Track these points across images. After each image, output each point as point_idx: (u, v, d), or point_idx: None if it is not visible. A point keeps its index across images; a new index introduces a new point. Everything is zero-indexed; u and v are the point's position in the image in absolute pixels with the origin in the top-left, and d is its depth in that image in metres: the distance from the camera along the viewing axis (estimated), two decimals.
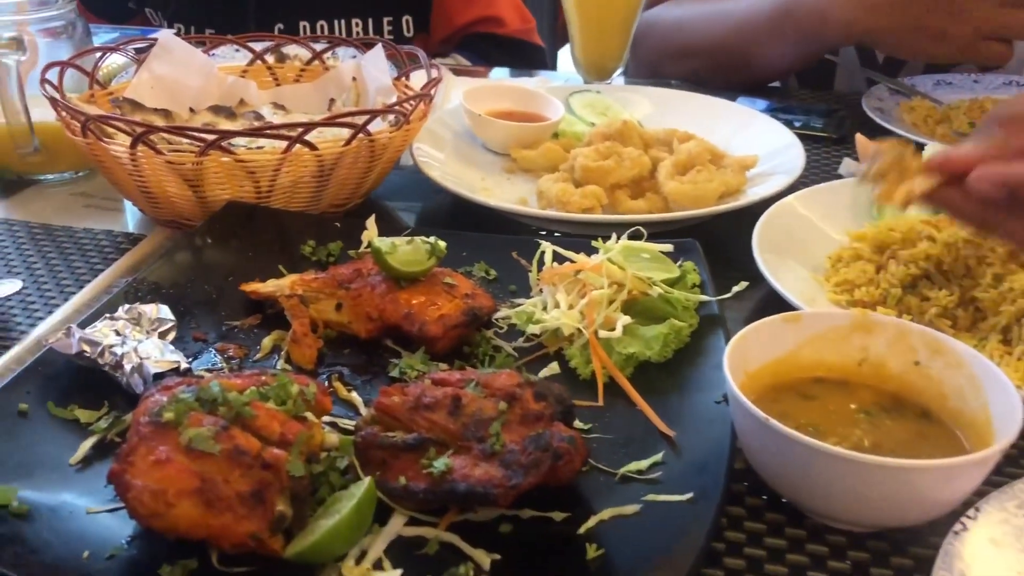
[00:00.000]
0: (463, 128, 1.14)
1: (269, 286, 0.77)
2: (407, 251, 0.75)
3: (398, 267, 0.74)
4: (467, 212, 0.97)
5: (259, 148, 0.89)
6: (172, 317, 0.71)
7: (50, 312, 0.80)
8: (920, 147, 0.97)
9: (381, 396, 0.59)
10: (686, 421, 0.64)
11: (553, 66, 1.76)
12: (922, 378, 0.63)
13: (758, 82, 1.40)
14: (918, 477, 0.53)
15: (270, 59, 1.16)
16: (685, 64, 1.43)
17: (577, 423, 0.62)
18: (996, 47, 1.13)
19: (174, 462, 0.52)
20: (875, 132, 1.18)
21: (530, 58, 1.65)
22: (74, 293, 0.83)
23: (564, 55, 1.85)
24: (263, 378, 0.58)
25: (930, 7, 1.13)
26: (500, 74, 1.48)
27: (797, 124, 1.21)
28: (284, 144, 0.85)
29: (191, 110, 1.05)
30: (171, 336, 0.70)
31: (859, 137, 1.03)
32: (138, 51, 1.09)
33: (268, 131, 0.85)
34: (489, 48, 1.62)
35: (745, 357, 0.62)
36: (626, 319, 0.70)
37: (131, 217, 1.00)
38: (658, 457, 0.60)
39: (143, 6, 1.66)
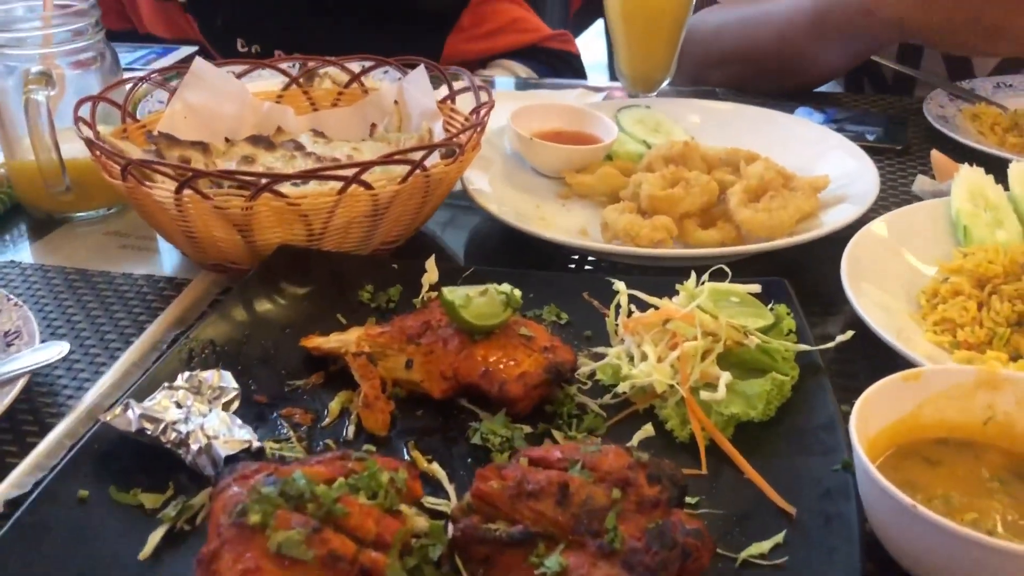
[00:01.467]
0: (511, 150, 1.09)
1: (333, 342, 0.72)
2: (481, 303, 0.70)
3: (473, 321, 0.69)
4: (523, 243, 0.92)
5: (307, 186, 0.84)
6: (236, 385, 0.66)
7: (97, 373, 0.75)
8: (1004, 164, 0.92)
9: (478, 481, 0.54)
10: (803, 493, 0.58)
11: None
12: None
13: (804, 87, 1.34)
14: None
15: (304, 81, 1.10)
16: (727, 71, 1.37)
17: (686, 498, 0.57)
18: None
19: (264, 571, 0.47)
20: (941, 142, 1.13)
21: (571, 68, 1.60)
22: (121, 350, 0.78)
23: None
24: (349, 465, 0.53)
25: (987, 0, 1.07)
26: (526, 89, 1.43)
27: (857, 135, 1.16)
28: (337, 184, 0.80)
29: (227, 140, 1.00)
30: (235, 405, 0.66)
31: (935, 154, 0.98)
32: (166, 78, 1.04)
33: (323, 172, 0.79)
34: (525, 61, 1.58)
35: (867, 422, 0.57)
36: (728, 376, 0.65)
37: (168, 257, 0.95)
38: (779, 538, 0.55)
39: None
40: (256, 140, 0.99)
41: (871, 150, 1.13)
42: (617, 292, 0.74)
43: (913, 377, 0.60)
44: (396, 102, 1.05)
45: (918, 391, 0.60)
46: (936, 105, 1.20)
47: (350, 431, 0.66)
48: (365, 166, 0.79)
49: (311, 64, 1.10)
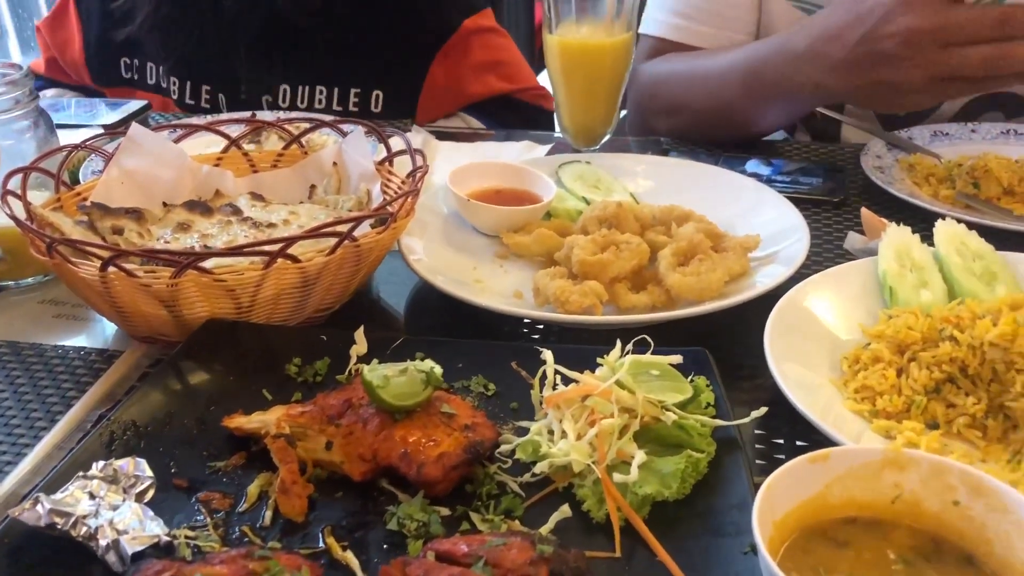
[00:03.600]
0: (451, 211, 1.10)
1: (254, 422, 0.72)
2: (401, 383, 0.70)
3: (392, 401, 0.69)
4: (459, 306, 0.92)
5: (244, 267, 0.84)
6: (151, 474, 0.66)
7: (19, 455, 0.75)
8: (932, 221, 0.94)
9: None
10: (713, 574, 0.59)
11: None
12: (963, 520, 0.59)
13: (743, 140, 1.35)
14: None
15: (245, 144, 1.11)
16: (670, 121, 1.39)
17: None
18: (959, 85, 1.09)
19: None
20: (875, 194, 1.14)
21: (537, 123, 1.60)
22: (46, 430, 0.78)
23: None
24: (251, 565, 0.53)
25: (876, 62, 1.09)
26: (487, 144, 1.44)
27: (795, 188, 1.17)
28: (264, 259, 0.80)
29: (164, 205, 1.00)
30: (150, 495, 0.65)
31: (864, 212, 0.99)
32: (104, 143, 1.04)
33: (247, 249, 0.79)
34: (498, 109, 1.57)
35: (772, 506, 0.57)
36: (642, 456, 0.65)
37: (102, 327, 0.95)
38: None
39: (143, 60, 1.62)
40: (193, 205, 0.99)
41: (810, 202, 1.15)
42: (544, 365, 0.75)
43: (820, 458, 0.60)
44: (335, 164, 1.06)
45: (825, 471, 0.60)
46: (873, 155, 1.22)
47: (267, 516, 0.66)
48: (289, 242, 0.79)
49: (252, 127, 1.11)
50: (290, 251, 0.80)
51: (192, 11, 1.56)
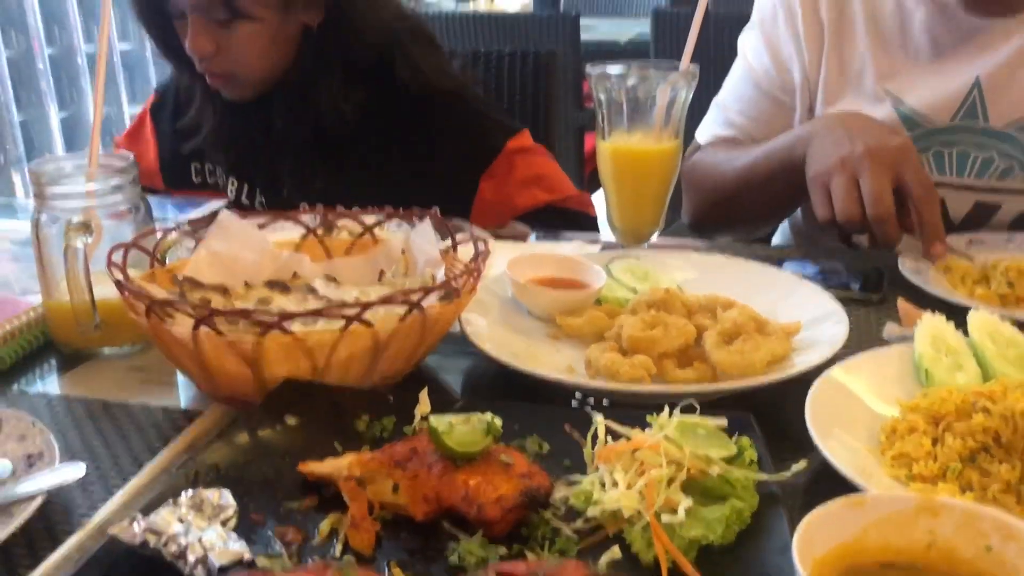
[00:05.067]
0: (508, 295, 1.17)
1: (326, 466, 0.78)
2: (464, 431, 0.76)
3: (455, 447, 0.75)
4: (515, 379, 0.99)
5: (315, 324, 0.91)
6: (233, 502, 0.72)
7: (109, 494, 0.81)
8: (963, 312, 0.99)
9: None
10: None
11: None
12: (996, 565, 0.62)
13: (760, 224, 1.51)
14: None
15: (321, 232, 1.20)
16: (698, 198, 1.54)
17: None
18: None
19: None
20: (914, 293, 1.20)
21: (584, 227, 1.69)
22: (133, 474, 0.84)
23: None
24: (330, 572, 0.58)
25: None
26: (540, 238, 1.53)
27: (837, 287, 1.23)
28: (341, 322, 0.87)
29: (246, 284, 1.09)
30: (233, 522, 0.71)
31: (901, 303, 1.05)
32: (194, 229, 1.14)
33: (327, 311, 0.87)
34: (545, 217, 1.67)
35: (812, 544, 0.61)
36: (688, 502, 0.69)
37: (185, 391, 1.02)
38: None
39: (210, 166, 1.76)
40: (273, 284, 1.09)
41: (851, 300, 1.21)
42: (595, 424, 0.80)
43: (857, 504, 0.64)
44: (403, 251, 1.15)
45: (862, 516, 0.64)
46: (911, 259, 1.28)
47: (337, 549, 0.71)
48: (366, 306, 0.87)
49: (329, 217, 1.21)
50: (364, 317, 0.88)
51: (248, 125, 1.68)
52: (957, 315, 1.00)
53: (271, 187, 1.72)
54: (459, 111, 1.67)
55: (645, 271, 1.23)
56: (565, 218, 1.69)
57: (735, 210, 1.52)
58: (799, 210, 1.78)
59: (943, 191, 1.47)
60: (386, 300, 0.89)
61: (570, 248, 1.42)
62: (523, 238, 1.52)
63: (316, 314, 0.87)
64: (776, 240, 1.86)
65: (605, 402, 0.94)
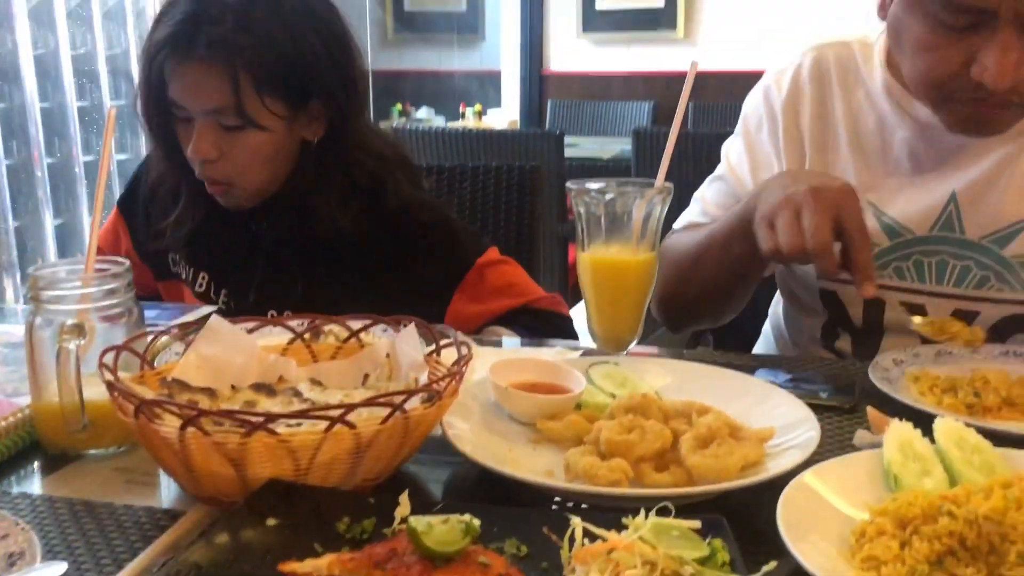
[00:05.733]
0: (490, 399, 1.20)
1: (306, 566, 0.79)
2: (442, 531, 0.78)
3: (433, 547, 0.76)
4: (495, 483, 1.00)
5: (299, 426, 0.94)
6: None
7: None
8: (931, 419, 1.02)
9: None
10: None
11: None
12: None
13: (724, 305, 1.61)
14: None
15: (308, 337, 1.24)
16: (663, 284, 1.58)
17: None
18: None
19: None
20: (884, 401, 1.23)
21: (560, 328, 1.74)
22: (114, 574, 0.85)
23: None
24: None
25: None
26: (516, 343, 1.57)
27: (809, 394, 1.26)
28: (324, 424, 0.90)
29: (233, 387, 1.11)
30: None
31: (870, 410, 1.08)
32: (185, 333, 1.17)
33: (311, 413, 0.90)
34: (519, 318, 1.72)
35: None
36: None
37: (169, 492, 1.03)
38: None
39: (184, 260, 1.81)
40: (259, 387, 1.11)
41: (822, 407, 1.24)
42: (571, 526, 0.82)
43: None
44: (388, 355, 1.18)
45: None
46: (882, 368, 1.32)
47: None
48: (350, 408, 0.90)
49: (316, 322, 1.24)
50: (347, 419, 0.91)
51: (232, 233, 1.74)
52: (925, 423, 1.03)
53: (241, 295, 1.76)
54: (435, 233, 1.76)
55: (624, 377, 1.26)
56: (538, 318, 1.75)
57: (696, 284, 1.57)
58: (780, 317, 1.83)
59: (924, 298, 1.53)
60: (369, 402, 0.92)
61: (551, 354, 1.45)
62: (500, 340, 1.56)
63: (300, 415, 0.90)
64: (758, 348, 1.90)
65: (584, 505, 0.96)
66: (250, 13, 1.55)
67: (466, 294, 1.76)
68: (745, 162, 1.66)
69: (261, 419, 0.88)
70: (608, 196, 1.32)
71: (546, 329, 1.74)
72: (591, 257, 1.35)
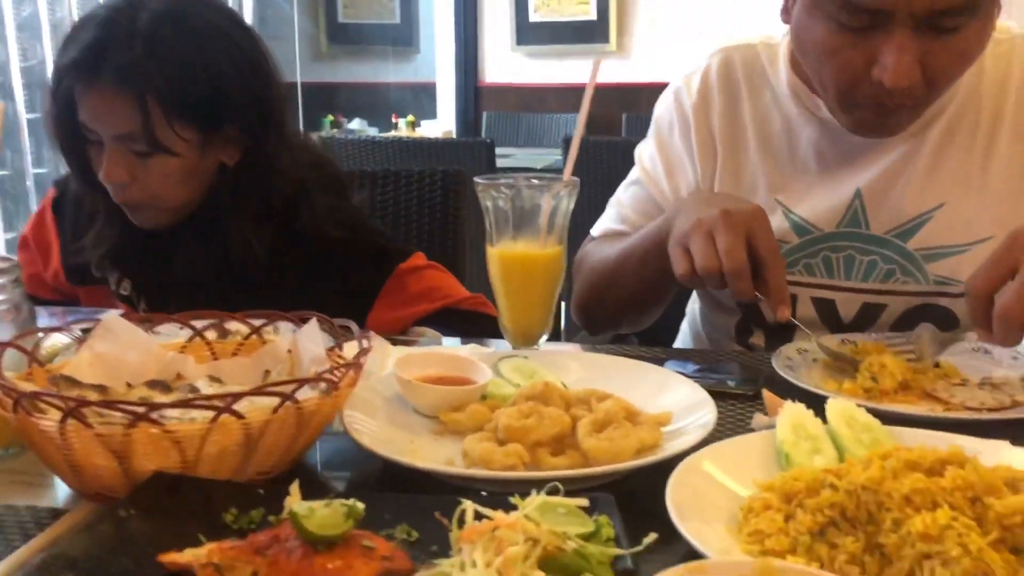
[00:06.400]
0: (395, 394, 1.19)
1: (186, 556, 0.77)
2: (324, 514, 0.76)
3: (315, 531, 0.75)
4: (397, 476, 0.99)
5: (191, 420, 0.92)
6: None
7: None
8: (823, 401, 1.04)
9: None
10: None
11: None
12: None
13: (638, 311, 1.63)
14: None
15: (211, 335, 1.21)
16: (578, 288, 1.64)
17: None
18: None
19: None
20: (786, 388, 1.25)
21: (485, 328, 1.73)
22: None
23: None
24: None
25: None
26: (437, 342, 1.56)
27: (717, 384, 1.28)
28: (211, 414, 0.88)
29: (128, 384, 1.09)
30: None
31: (766, 393, 1.10)
32: (83, 331, 1.14)
33: (196, 401, 0.88)
34: (442, 319, 1.71)
35: None
36: (540, 575, 0.71)
37: (54, 492, 1.00)
38: None
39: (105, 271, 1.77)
40: (154, 384, 1.08)
41: (728, 395, 1.26)
42: (460, 508, 0.81)
43: (697, 569, 0.66)
44: (289, 351, 1.16)
45: None
46: (784, 357, 1.34)
47: None
48: (236, 397, 0.88)
49: (217, 319, 1.22)
50: (235, 409, 0.89)
51: (149, 251, 1.71)
52: (822, 403, 1.04)
53: (163, 301, 1.73)
54: (352, 245, 1.74)
55: (533, 370, 1.26)
56: (462, 319, 1.74)
57: (613, 294, 1.60)
58: (697, 315, 1.86)
59: (833, 293, 1.56)
60: (257, 391, 0.90)
61: (464, 350, 1.45)
62: (416, 340, 1.55)
63: (185, 405, 0.88)
64: (677, 344, 1.92)
65: (484, 493, 0.95)
66: (159, 38, 1.51)
67: (386, 301, 1.76)
68: (659, 165, 1.68)
69: (144, 409, 0.86)
70: (515, 190, 1.32)
71: (471, 329, 1.74)
72: (499, 252, 1.35)
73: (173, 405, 0.88)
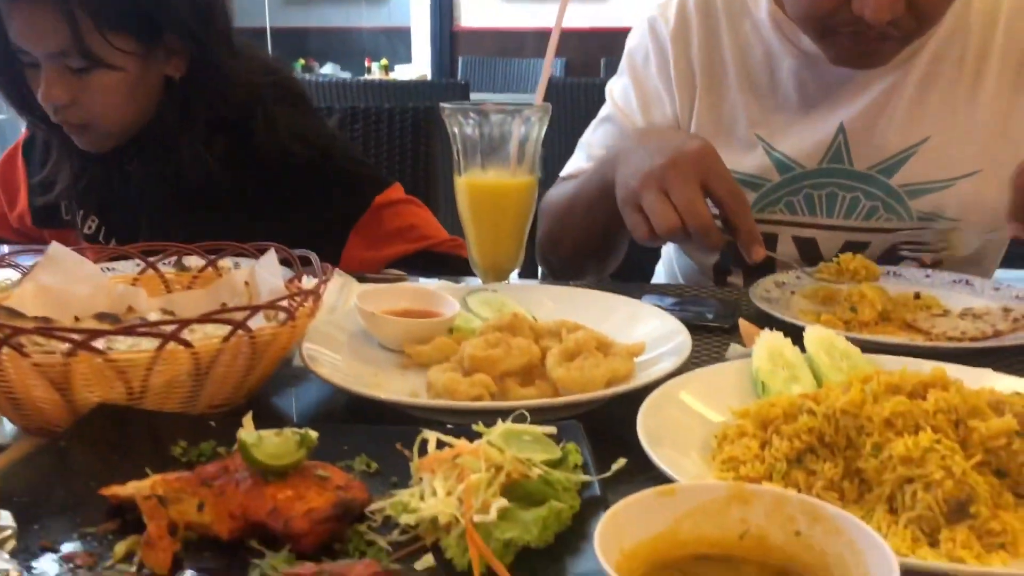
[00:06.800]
0: (360, 329, 1.14)
1: (129, 488, 0.73)
2: (275, 443, 0.72)
3: (264, 460, 0.71)
4: (359, 412, 0.95)
5: (139, 350, 0.87)
6: (12, 524, 0.66)
7: None
8: (800, 330, 1.00)
9: None
10: None
11: None
12: (805, 549, 0.61)
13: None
14: None
15: (164, 268, 1.16)
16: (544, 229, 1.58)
17: None
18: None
19: None
20: (764, 319, 1.21)
21: (460, 272, 1.69)
22: None
23: None
24: None
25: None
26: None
27: (694, 317, 1.24)
28: (157, 343, 0.83)
29: (76, 318, 1.03)
30: (10, 545, 0.65)
31: (742, 322, 1.06)
32: (21, 260, 1.08)
33: (140, 328, 0.83)
34: (418, 262, 1.66)
35: (620, 535, 0.59)
36: (502, 502, 0.67)
37: (5, 429, 0.95)
38: None
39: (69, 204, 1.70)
40: (103, 317, 1.03)
41: (704, 328, 1.22)
42: (420, 437, 0.77)
43: (668, 493, 0.63)
44: (247, 283, 1.11)
45: (674, 506, 0.62)
46: (762, 289, 1.31)
47: (132, 571, 0.66)
48: (183, 324, 0.83)
49: (171, 250, 1.16)
50: (183, 337, 0.84)
51: (107, 176, 1.64)
52: (800, 336, 1.01)
53: (130, 237, 1.67)
54: (324, 169, 1.66)
55: (502, 303, 1.22)
56: (438, 262, 1.68)
57: (569, 238, 1.55)
58: (672, 256, 1.81)
59: (815, 231, 1.52)
60: (205, 318, 0.85)
61: (431, 284, 1.40)
62: (390, 280, 1.50)
63: (127, 332, 0.83)
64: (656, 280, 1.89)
65: (449, 425, 0.91)
66: None
67: (361, 236, 1.68)
68: (633, 99, 1.61)
69: (83, 337, 0.81)
70: (483, 115, 1.27)
71: (446, 272, 1.68)
72: (467, 181, 1.30)
73: (114, 332, 0.83)
